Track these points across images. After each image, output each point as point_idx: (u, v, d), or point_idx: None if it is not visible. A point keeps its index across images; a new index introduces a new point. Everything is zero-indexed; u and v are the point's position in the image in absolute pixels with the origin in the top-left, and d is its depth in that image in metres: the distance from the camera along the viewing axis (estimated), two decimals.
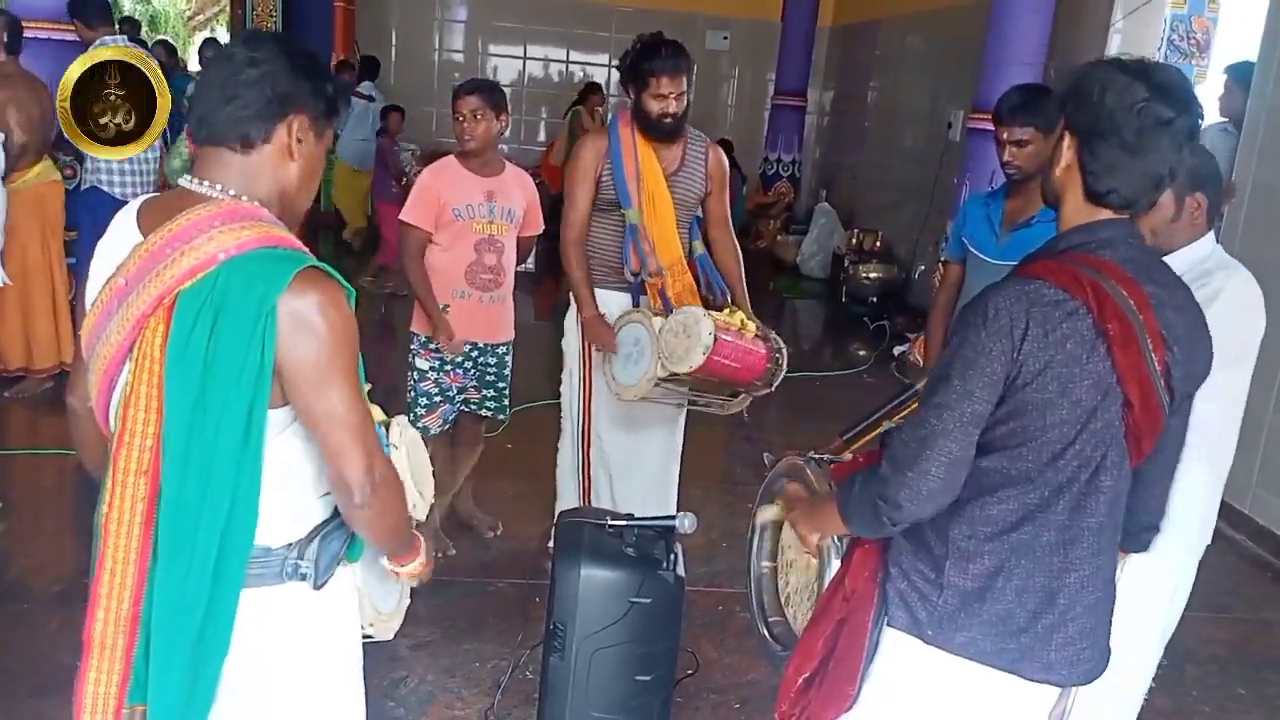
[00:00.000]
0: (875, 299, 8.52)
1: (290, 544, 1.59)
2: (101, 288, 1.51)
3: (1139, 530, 1.82)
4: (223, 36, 11.89)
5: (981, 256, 3.13)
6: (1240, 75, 5.10)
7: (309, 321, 1.45)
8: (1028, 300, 1.55)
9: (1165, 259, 2.25)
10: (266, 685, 1.62)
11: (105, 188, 4.85)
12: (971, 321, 1.59)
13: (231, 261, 1.44)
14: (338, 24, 10.59)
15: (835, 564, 1.85)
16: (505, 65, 11.87)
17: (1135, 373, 1.57)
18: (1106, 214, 1.62)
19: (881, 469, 1.64)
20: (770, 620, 2.14)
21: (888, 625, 1.72)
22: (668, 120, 3.35)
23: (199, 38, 13.92)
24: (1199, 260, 2.28)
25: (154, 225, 1.49)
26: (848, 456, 2.13)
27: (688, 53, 3.38)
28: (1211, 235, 2.30)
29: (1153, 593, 2.39)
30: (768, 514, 2.14)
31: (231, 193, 1.52)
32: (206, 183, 1.52)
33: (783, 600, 2.12)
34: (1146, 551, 1.88)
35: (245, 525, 1.50)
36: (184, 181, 1.56)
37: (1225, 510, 4.79)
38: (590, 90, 10.42)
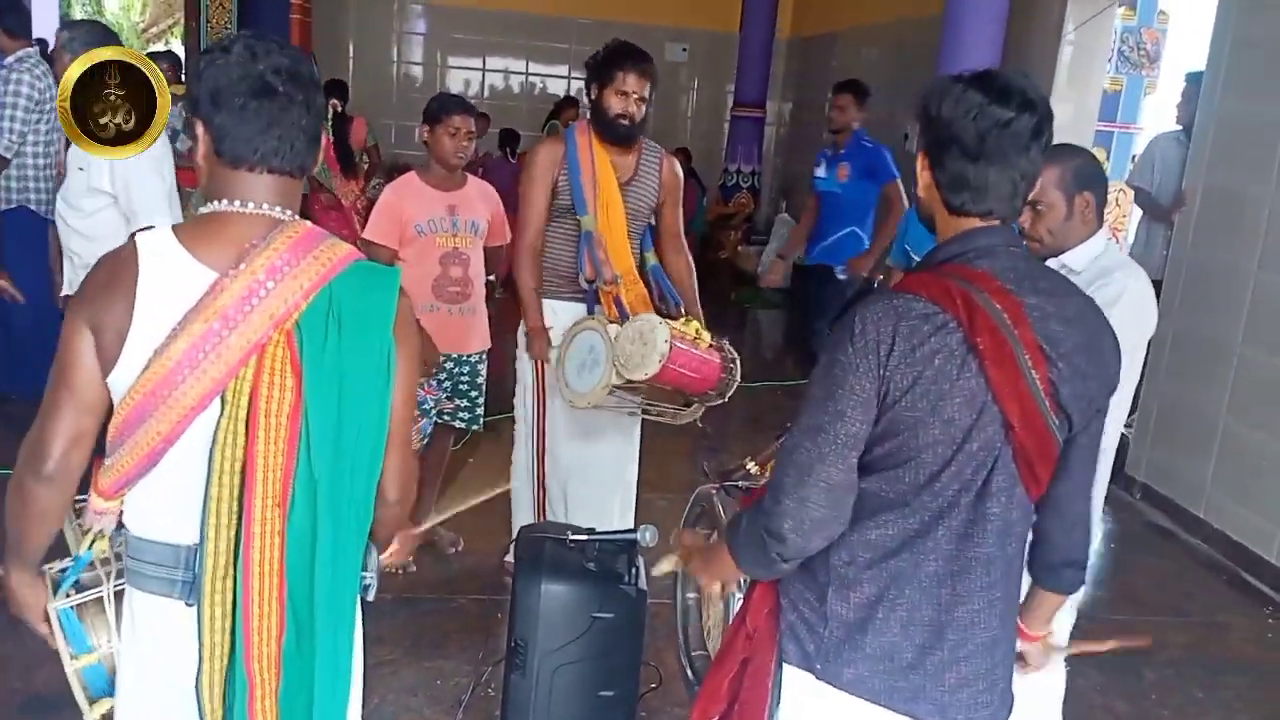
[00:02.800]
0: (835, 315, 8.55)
1: None
2: (179, 326, 1.43)
3: (1060, 566, 1.75)
4: (177, 48, 11.71)
5: None
6: (1200, 83, 5.19)
7: (409, 328, 1.57)
8: (895, 314, 1.50)
9: (1062, 257, 2.31)
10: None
11: (34, 207, 4.69)
12: (839, 339, 1.54)
13: (340, 278, 1.49)
14: (294, 35, 10.49)
15: (739, 596, 1.79)
16: (465, 77, 11.83)
17: (1012, 390, 1.49)
18: (977, 222, 1.57)
19: (764, 501, 1.58)
20: (693, 654, 2.09)
21: (784, 661, 1.64)
22: (624, 122, 3.34)
23: (152, 49, 13.73)
24: (1095, 255, 2.36)
25: (218, 254, 1.47)
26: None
27: (655, 66, 3.39)
28: (1104, 231, 2.39)
29: None
30: (664, 566, 2.05)
31: (289, 213, 1.54)
32: (265, 205, 1.52)
33: (705, 634, 2.06)
34: (1075, 592, 1.82)
35: (367, 529, 1.57)
36: (222, 207, 1.51)
37: (1181, 515, 4.88)
38: (566, 104, 10.40)
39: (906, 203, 5.84)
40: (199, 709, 1.52)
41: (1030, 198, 2.22)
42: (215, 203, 1.52)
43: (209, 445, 1.47)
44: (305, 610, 1.50)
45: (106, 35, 3.86)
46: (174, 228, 1.53)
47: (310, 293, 1.47)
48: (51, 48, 4.88)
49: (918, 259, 3.25)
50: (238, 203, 1.51)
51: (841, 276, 5.92)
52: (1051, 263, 2.33)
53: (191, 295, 1.44)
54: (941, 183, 1.58)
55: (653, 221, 3.60)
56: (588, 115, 3.47)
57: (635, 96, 3.32)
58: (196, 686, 1.51)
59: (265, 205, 1.52)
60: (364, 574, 1.62)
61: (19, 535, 1.58)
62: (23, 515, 1.55)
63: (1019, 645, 1.84)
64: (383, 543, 1.69)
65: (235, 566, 1.47)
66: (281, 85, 1.48)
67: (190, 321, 1.43)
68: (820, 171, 6.14)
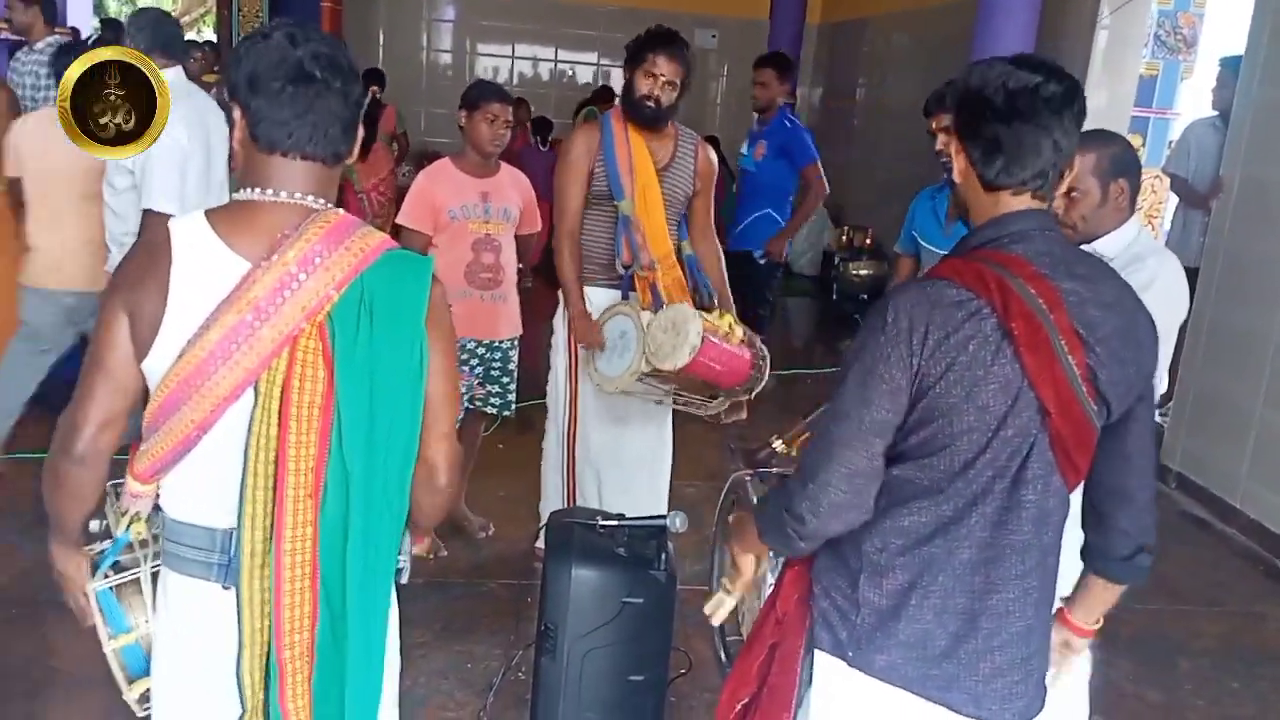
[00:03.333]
0: (866, 296, 8.52)
1: None
2: (213, 316, 1.44)
3: (1131, 554, 1.72)
4: (209, 37, 11.79)
5: (931, 249, 3.26)
6: (1234, 68, 5.12)
7: (442, 316, 1.56)
8: (929, 302, 1.49)
9: (1094, 244, 2.27)
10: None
11: None
12: (872, 325, 1.53)
13: (372, 268, 1.48)
14: (325, 23, 10.54)
15: (771, 581, 1.78)
16: (493, 65, 11.83)
17: (1048, 376, 1.48)
18: (1012, 203, 1.55)
19: (790, 481, 1.59)
20: (728, 640, 2.09)
21: (815, 648, 1.64)
22: (650, 104, 3.33)
23: (187, 38, 13.76)
24: (1128, 243, 2.34)
25: (253, 245, 1.47)
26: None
27: (690, 52, 3.38)
28: (1136, 218, 2.38)
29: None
30: (722, 610, 1.96)
31: (323, 202, 1.53)
32: (298, 194, 1.51)
33: (740, 620, 2.06)
34: (1141, 580, 1.78)
35: (404, 521, 1.58)
36: (255, 195, 1.51)
37: (1216, 504, 4.83)
38: (605, 94, 10.36)
39: (827, 187, 5.76)
40: (239, 694, 1.54)
41: (1066, 184, 2.21)
42: (249, 190, 1.52)
43: (244, 433, 1.48)
44: (338, 599, 1.51)
45: (171, 26, 3.90)
46: (208, 214, 1.52)
47: (343, 284, 1.46)
48: (93, 38, 4.91)
49: (925, 245, 3.24)
50: (270, 191, 1.50)
51: (761, 261, 5.72)
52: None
53: (225, 285, 1.45)
54: (975, 157, 1.56)
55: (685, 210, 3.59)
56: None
57: (663, 80, 3.31)
58: (237, 672, 1.52)
59: (299, 194, 1.51)
60: (397, 558, 1.63)
61: (57, 514, 1.61)
62: (57, 494, 1.58)
63: (1065, 637, 1.83)
64: (429, 529, 1.70)
65: (269, 554, 1.48)
66: (319, 71, 1.48)
67: (223, 312, 1.43)
68: (743, 149, 6.01)
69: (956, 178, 1.62)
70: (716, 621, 1.98)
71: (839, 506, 1.53)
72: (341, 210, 1.54)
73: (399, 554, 1.63)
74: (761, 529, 1.68)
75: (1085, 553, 1.78)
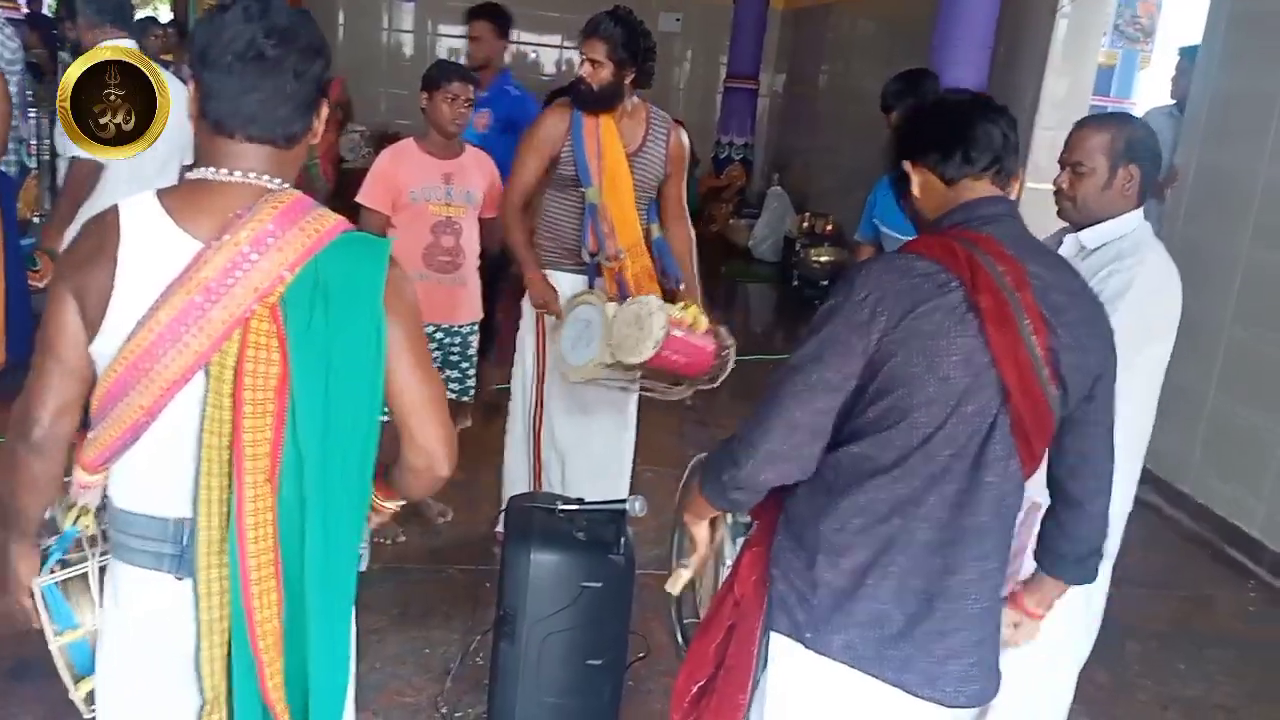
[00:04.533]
0: (826, 282, 8.55)
1: None
2: (161, 298, 1.40)
3: (1083, 556, 1.74)
4: (165, 16, 11.57)
5: (893, 235, 3.30)
6: (1193, 57, 5.17)
7: (404, 299, 1.52)
8: (896, 272, 1.53)
9: (1096, 227, 2.24)
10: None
11: None
12: (839, 290, 1.57)
13: (327, 250, 1.45)
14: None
15: (729, 559, 1.79)
16: (455, 45, 11.72)
17: (1011, 352, 1.50)
18: (976, 188, 1.61)
19: (737, 428, 1.63)
20: (685, 623, 2.09)
21: (772, 630, 1.65)
22: (581, 87, 3.32)
23: (138, 16, 13.50)
24: (1128, 231, 2.26)
25: (204, 225, 1.43)
26: None
27: (622, 25, 3.27)
28: (1140, 211, 2.30)
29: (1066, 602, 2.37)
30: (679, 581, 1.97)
31: (278, 182, 1.49)
32: (252, 174, 1.47)
33: (698, 602, 2.07)
34: (1093, 581, 1.81)
35: (366, 506, 1.57)
36: (208, 174, 1.48)
37: (1165, 488, 4.90)
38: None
39: None
40: (199, 686, 1.50)
41: (1073, 158, 2.22)
42: (201, 169, 1.49)
43: (195, 419, 1.44)
44: (299, 586, 1.48)
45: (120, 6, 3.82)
46: (159, 193, 1.48)
47: (296, 265, 1.43)
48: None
49: (888, 231, 3.26)
50: (224, 171, 1.47)
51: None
52: (1066, 238, 2.31)
53: (174, 266, 1.41)
54: (932, 162, 1.63)
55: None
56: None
57: (585, 59, 3.30)
58: (196, 663, 1.49)
59: (252, 174, 1.47)
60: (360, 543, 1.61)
61: (13, 505, 1.57)
62: (15, 484, 1.54)
63: (1017, 619, 1.85)
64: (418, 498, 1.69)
65: (229, 542, 1.44)
66: (270, 49, 1.43)
67: (172, 293, 1.40)
68: None
69: (916, 192, 1.67)
70: (675, 591, 1.99)
71: (774, 455, 1.56)
72: (297, 191, 1.51)
73: (361, 540, 1.61)
74: (702, 480, 1.70)
75: (1039, 553, 1.81)
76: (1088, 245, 2.28)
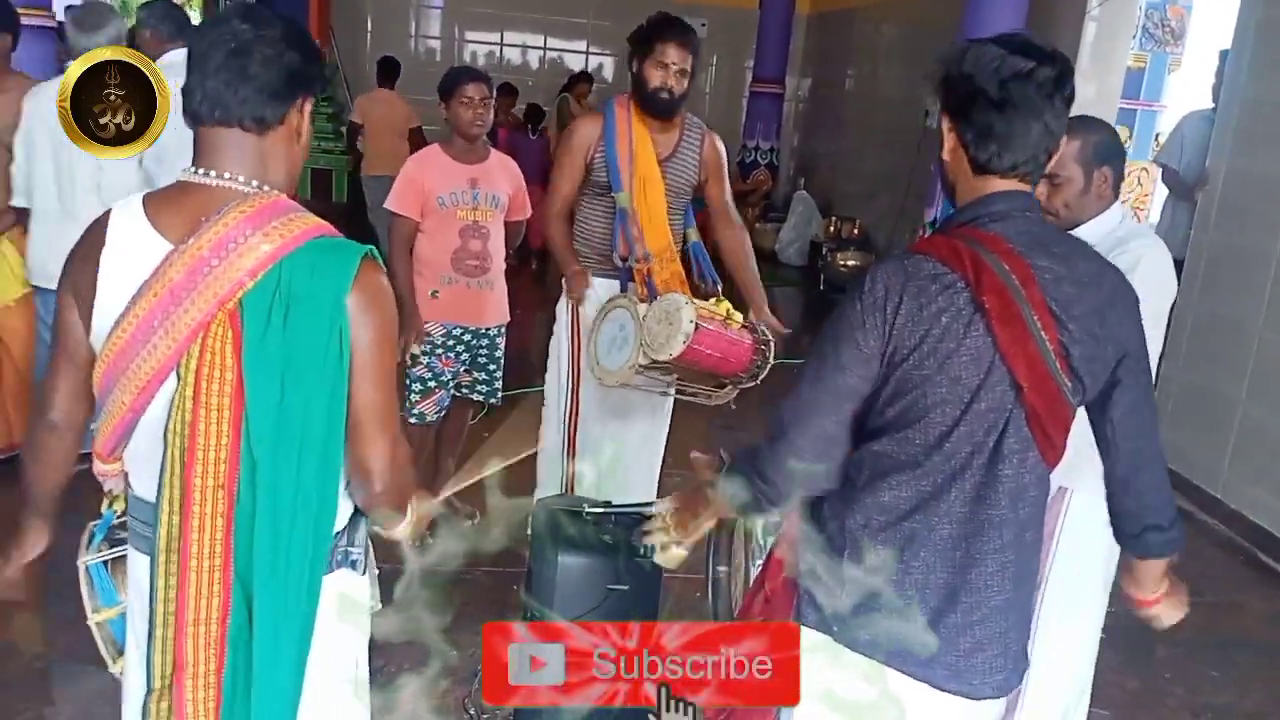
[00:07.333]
0: None
1: (338, 532, 1.60)
2: (133, 300, 1.43)
3: (1141, 531, 1.72)
4: (195, 20, 11.74)
5: None
6: None
7: (372, 309, 1.47)
8: (904, 274, 1.53)
9: (1078, 230, 2.27)
10: (328, 675, 1.64)
11: None
12: (851, 295, 1.57)
13: (292, 256, 1.43)
14: (312, 8, 10.50)
15: (759, 558, 1.81)
16: (482, 51, 11.80)
17: (1020, 350, 1.50)
18: (999, 185, 1.58)
19: (758, 444, 1.62)
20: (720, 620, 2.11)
21: (801, 624, 1.65)
22: (664, 95, 3.29)
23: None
24: (1110, 229, 2.34)
25: (177, 227, 1.45)
26: None
27: (698, 38, 3.35)
28: (1119, 205, 2.38)
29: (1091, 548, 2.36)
30: (664, 547, 2.01)
31: (254, 184, 1.48)
32: (226, 175, 1.48)
33: (733, 605, 2.08)
34: (1161, 556, 1.77)
35: (329, 517, 1.52)
36: (190, 175, 1.49)
37: (1197, 494, 4.86)
38: (579, 79, 10.36)
39: None
40: (147, 675, 1.50)
41: (1049, 170, 2.22)
42: (186, 170, 1.51)
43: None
44: (248, 596, 1.47)
45: (182, 11, 3.92)
46: (146, 196, 1.51)
47: (258, 271, 1.41)
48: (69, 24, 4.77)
49: None
50: (201, 172, 1.48)
51: None
52: None
53: (147, 267, 1.44)
54: (967, 140, 1.58)
55: (689, 198, 3.57)
56: (628, 90, 3.44)
57: (675, 69, 3.27)
58: (148, 652, 1.49)
59: (227, 174, 1.48)
60: (351, 549, 1.63)
61: (29, 482, 1.64)
62: (32, 462, 1.62)
63: (1143, 614, 1.86)
64: (383, 524, 1.66)
65: (179, 542, 1.45)
66: (239, 39, 1.45)
67: (142, 295, 1.42)
68: None
69: (945, 155, 1.63)
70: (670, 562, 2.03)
71: (803, 469, 1.56)
72: (275, 194, 1.50)
73: (353, 545, 1.62)
74: (730, 493, 1.69)
75: (1118, 538, 1.80)
76: (1089, 242, 2.31)
